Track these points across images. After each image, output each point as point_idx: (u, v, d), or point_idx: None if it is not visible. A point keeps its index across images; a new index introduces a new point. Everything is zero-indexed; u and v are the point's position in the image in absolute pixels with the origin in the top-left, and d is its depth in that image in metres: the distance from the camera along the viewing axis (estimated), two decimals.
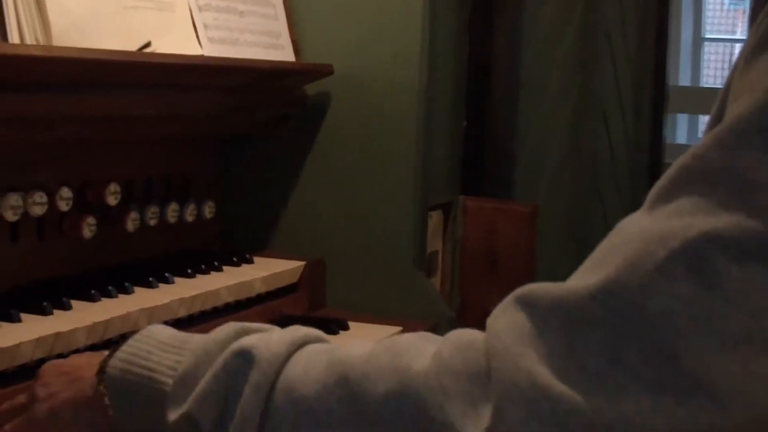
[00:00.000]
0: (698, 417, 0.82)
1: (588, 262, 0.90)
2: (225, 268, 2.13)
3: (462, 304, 2.62)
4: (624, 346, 0.84)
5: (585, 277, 0.88)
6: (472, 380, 0.90)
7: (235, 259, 2.18)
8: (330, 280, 2.33)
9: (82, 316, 1.67)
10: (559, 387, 0.85)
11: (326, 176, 2.36)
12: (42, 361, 1.55)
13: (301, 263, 2.25)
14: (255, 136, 2.40)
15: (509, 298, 0.92)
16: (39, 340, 1.53)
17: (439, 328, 2.21)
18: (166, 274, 1.96)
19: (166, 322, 1.82)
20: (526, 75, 3.29)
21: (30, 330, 1.56)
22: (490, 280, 2.67)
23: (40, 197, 1.80)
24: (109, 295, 1.80)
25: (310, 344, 1.06)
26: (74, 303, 1.73)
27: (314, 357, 1.02)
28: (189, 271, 2.03)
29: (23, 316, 1.63)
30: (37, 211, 1.81)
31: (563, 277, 0.93)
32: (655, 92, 3.91)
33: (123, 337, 1.70)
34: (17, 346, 1.49)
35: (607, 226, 0.95)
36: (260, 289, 2.11)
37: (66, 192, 1.87)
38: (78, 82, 1.78)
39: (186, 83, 2.02)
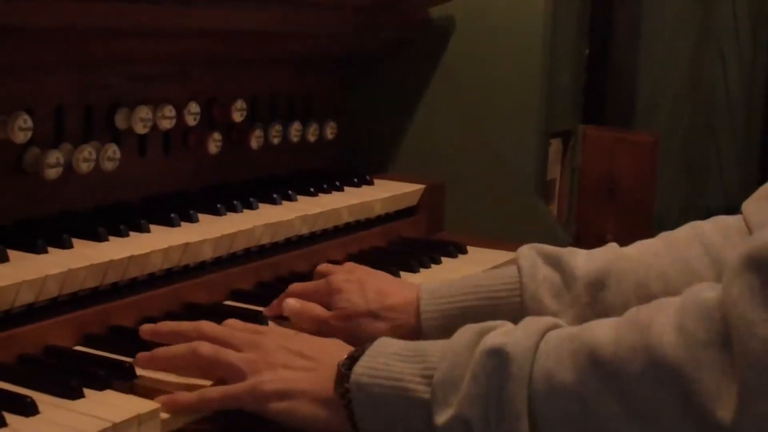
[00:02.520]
0: None
1: None
2: (346, 188, 2.14)
3: (578, 233, 2.60)
4: None
5: None
6: (718, 348, 0.95)
7: (355, 180, 2.20)
8: (449, 204, 2.33)
9: (208, 229, 1.70)
10: None
11: (448, 100, 2.35)
12: (169, 272, 1.60)
13: (421, 186, 2.25)
14: (378, 58, 2.40)
15: (740, 259, 0.96)
16: (168, 250, 1.56)
17: None
18: (289, 192, 1.98)
19: (288, 239, 1.86)
20: (648, 6, 3.25)
21: (159, 240, 1.59)
22: (607, 209, 2.65)
23: (170, 111, 1.83)
24: (234, 210, 1.83)
25: (550, 331, 1.12)
26: (200, 216, 1.76)
27: (561, 344, 1.08)
28: (311, 189, 2.05)
29: (152, 227, 1.66)
30: (166, 125, 1.84)
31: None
32: None
33: (248, 251, 1.75)
34: (147, 255, 1.52)
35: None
36: (380, 210, 2.12)
37: (194, 107, 1.89)
38: None
39: (312, 0, 2.03)
